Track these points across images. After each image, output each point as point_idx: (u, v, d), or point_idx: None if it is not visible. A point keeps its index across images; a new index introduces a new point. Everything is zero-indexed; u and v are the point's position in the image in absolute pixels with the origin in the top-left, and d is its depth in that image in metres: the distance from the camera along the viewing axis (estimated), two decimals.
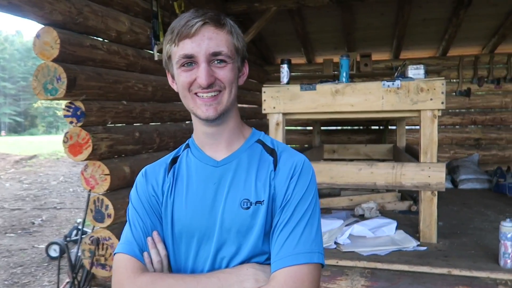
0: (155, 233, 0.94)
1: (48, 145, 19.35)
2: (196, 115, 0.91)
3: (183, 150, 1.02)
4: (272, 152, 0.95)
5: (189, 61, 0.86)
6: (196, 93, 0.88)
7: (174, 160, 1.00)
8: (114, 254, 0.94)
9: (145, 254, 0.91)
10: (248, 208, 0.88)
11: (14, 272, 4.15)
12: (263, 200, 0.89)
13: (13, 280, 3.93)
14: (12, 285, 3.82)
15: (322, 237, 0.90)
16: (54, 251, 4.43)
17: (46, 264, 4.34)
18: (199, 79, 0.85)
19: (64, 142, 2.37)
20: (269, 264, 0.87)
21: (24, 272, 4.15)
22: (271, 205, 0.89)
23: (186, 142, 1.04)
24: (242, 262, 0.89)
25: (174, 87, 0.96)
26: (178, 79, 0.90)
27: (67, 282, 3.22)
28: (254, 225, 0.88)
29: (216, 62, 0.87)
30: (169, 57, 0.91)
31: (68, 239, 4.12)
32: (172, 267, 0.95)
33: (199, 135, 0.97)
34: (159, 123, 3.28)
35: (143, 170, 1.02)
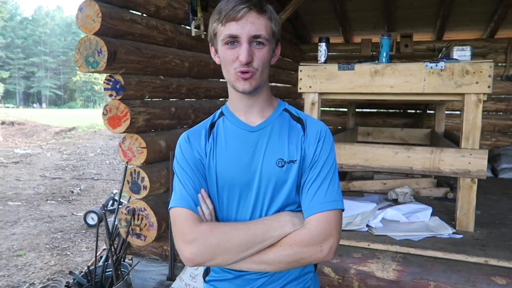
0: (203, 190, 1.09)
1: (86, 118, 20.07)
2: (234, 88, 1.06)
3: (218, 118, 1.16)
4: (298, 120, 1.13)
5: (233, 40, 1.00)
6: (238, 71, 1.02)
7: (212, 126, 1.15)
8: (169, 208, 1.06)
9: (198, 208, 1.05)
10: (282, 166, 1.06)
11: (55, 237, 4.39)
12: (296, 160, 1.06)
13: (54, 244, 4.16)
14: (53, 248, 4.05)
15: (340, 188, 1.09)
16: (92, 219, 4.65)
17: (84, 231, 4.56)
18: (240, 57, 0.99)
19: (103, 114, 2.44)
20: (301, 211, 1.06)
21: (64, 237, 4.38)
22: (302, 164, 1.07)
23: (220, 110, 1.18)
24: (278, 210, 1.06)
25: (216, 59, 1.09)
26: (223, 55, 1.04)
27: (104, 249, 3.38)
28: (287, 179, 1.06)
29: (255, 43, 1.01)
30: (215, 34, 1.05)
31: (105, 208, 4.31)
32: (218, 219, 1.10)
33: (236, 104, 1.12)
34: (194, 99, 3.30)
35: (184, 135, 1.15)
